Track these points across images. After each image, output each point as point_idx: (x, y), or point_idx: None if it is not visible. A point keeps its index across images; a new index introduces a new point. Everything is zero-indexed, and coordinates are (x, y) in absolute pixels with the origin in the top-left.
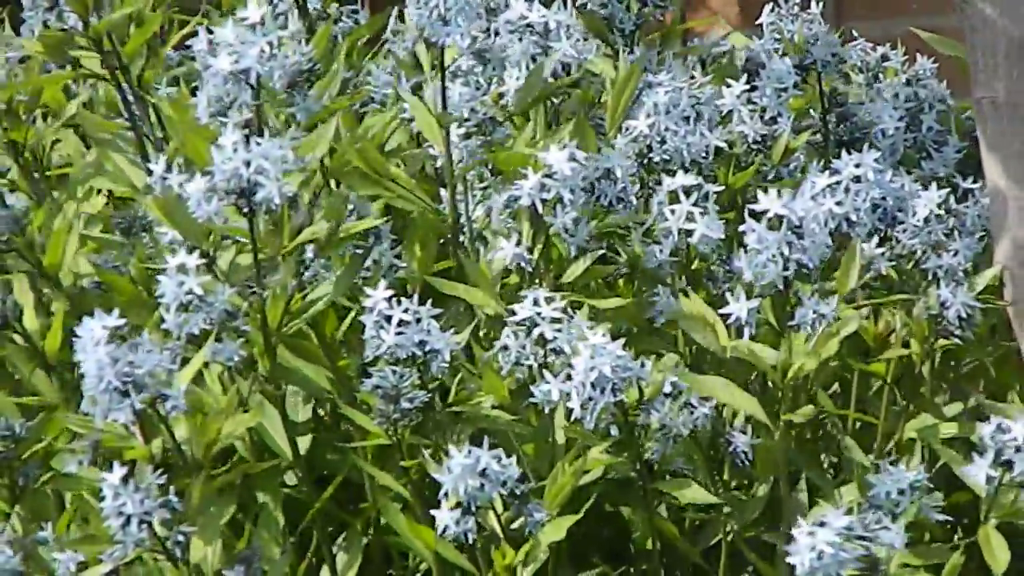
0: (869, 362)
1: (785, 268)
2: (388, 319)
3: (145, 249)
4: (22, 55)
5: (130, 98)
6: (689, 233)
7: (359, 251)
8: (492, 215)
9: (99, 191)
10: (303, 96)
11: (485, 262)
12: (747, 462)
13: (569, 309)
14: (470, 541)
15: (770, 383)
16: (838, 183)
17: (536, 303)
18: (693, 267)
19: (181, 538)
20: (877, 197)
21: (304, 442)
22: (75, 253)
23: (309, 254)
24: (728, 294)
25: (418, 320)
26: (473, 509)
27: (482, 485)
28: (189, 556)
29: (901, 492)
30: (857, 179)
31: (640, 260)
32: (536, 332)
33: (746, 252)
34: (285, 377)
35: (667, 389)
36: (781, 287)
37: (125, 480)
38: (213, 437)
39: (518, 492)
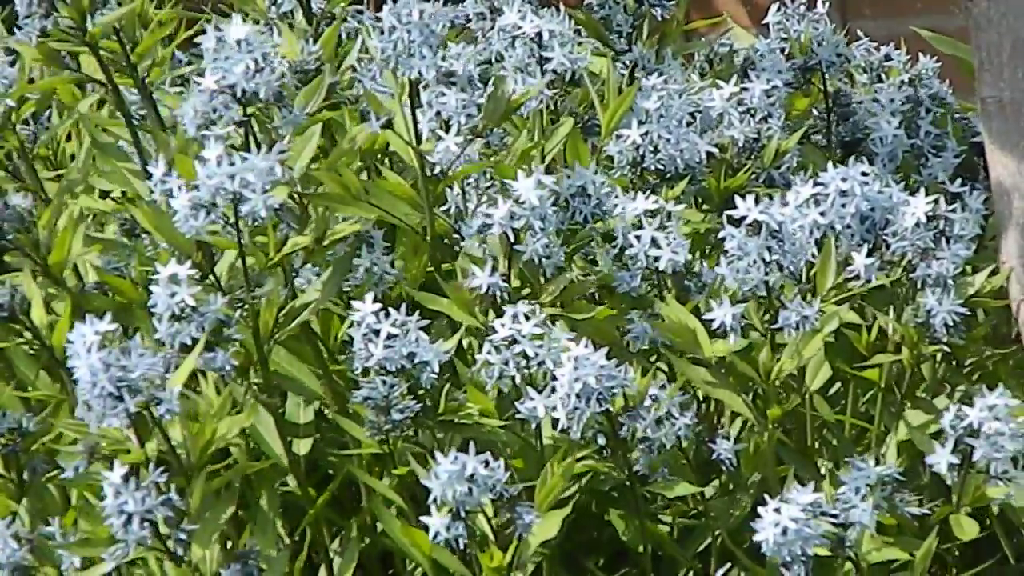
0: (862, 368)
1: (766, 273)
2: (376, 332)
3: (145, 250)
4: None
5: (132, 99)
6: (657, 259)
7: (347, 254)
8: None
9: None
10: (288, 108)
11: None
12: (733, 466)
13: (548, 322)
14: (461, 546)
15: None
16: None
17: (515, 319)
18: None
19: (184, 536)
20: (865, 209)
21: (304, 445)
22: (80, 253)
23: (299, 262)
24: (708, 301)
25: (406, 332)
26: (462, 514)
27: (470, 490)
28: (191, 555)
29: (870, 487)
30: (844, 192)
31: (612, 280)
32: (517, 348)
33: (727, 258)
34: (279, 382)
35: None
36: (763, 292)
37: (126, 479)
38: (208, 439)
39: (507, 495)
